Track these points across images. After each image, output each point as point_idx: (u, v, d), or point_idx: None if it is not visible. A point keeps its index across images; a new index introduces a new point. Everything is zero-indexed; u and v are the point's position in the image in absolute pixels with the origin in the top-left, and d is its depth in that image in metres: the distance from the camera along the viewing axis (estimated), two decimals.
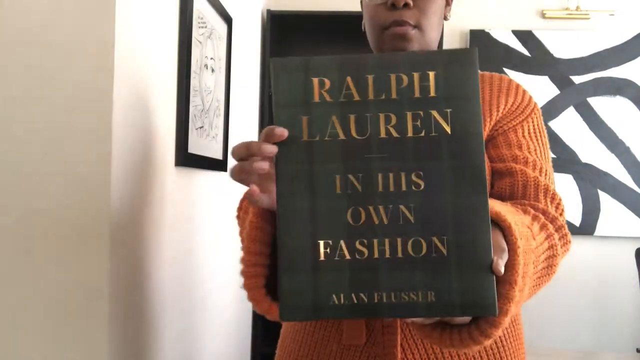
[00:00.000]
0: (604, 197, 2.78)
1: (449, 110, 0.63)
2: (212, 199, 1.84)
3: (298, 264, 0.63)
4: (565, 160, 2.80)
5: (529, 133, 0.95)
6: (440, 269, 0.60)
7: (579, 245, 2.84)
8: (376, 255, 0.62)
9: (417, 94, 0.64)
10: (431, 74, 0.63)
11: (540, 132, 0.97)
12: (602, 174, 2.79)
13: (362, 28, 1.00)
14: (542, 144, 0.96)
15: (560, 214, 0.88)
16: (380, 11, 0.92)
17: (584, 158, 2.79)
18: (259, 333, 2.61)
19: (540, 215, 0.83)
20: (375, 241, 0.62)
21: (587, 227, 2.79)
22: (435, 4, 0.92)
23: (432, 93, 0.63)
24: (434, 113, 0.63)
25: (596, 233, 2.79)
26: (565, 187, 2.80)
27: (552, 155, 2.79)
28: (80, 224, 1.05)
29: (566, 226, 0.87)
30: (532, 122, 0.96)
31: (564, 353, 1.63)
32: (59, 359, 1.05)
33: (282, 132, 0.65)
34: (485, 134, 0.93)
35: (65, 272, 1.05)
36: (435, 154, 0.62)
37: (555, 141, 2.80)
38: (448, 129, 0.62)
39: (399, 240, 0.61)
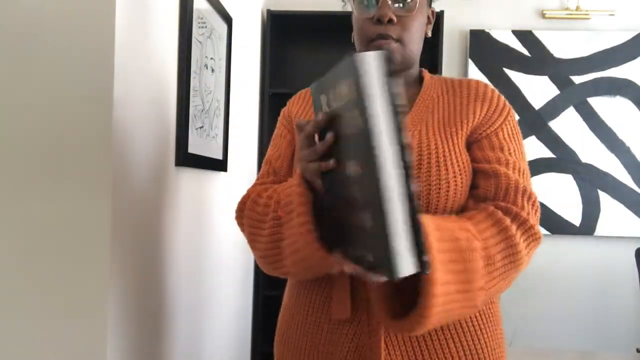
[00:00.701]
0: (604, 197, 2.78)
1: (362, 108, 0.71)
2: (212, 199, 1.84)
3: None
4: (565, 160, 2.80)
5: (507, 135, 1.06)
6: (369, 237, 0.75)
7: (579, 245, 2.84)
8: (348, 222, 0.81)
9: (348, 99, 0.75)
10: (350, 81, 0.73)
11: (516, 133, 1.08)
12: (602, 174, 2.79)
13: (352, 39, 1.10)
14: (518, 144, 1.08)
15: (535, 212, 1.01)
16: (367, 25, 1.03)
17: (584, 158, 2.79)
18: (259, 333, 2.61)
19: (498, 212, 0.96)
20: (346, 211, 0.80)
21: (587, 227, 2.79)
22: (417, 22, 1.04)
23: (354, 95, 0.73)
24: (356, 112, 0.73)
25: (596, 233, 2.79)
26: (565, 187, 2.80)
27: (552, 155, 2.79)
28: (81, 224, 1.05)
29: (534, 222, 0.98)
30: (509, 124, 1.07)
31: (564, 353, 1.63)
32: (60, 357, 1.05)
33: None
34: (463, 136, 1.04)
35: (66, 273, 1.05)
36: (360, 146, 0.73)
37: (555, 141, 2.80)
38: (362, 125, 0.72)
39: (352, 213, 0.78)
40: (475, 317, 1.02)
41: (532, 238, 0.97)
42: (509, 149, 1.04)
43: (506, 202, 0.99)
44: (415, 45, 1.05)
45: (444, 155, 1.00)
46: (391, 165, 0.71)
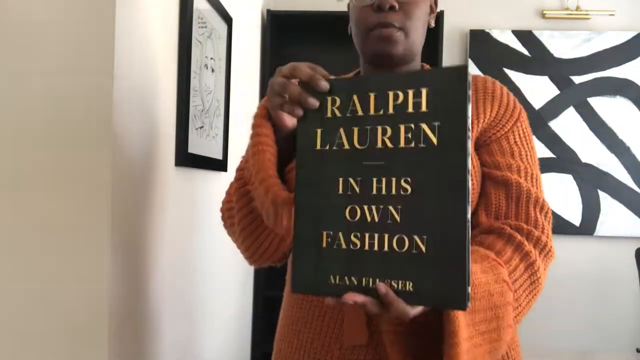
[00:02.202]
0: (604, 197, 2.78)
1: (437, 124, 0.70)
2: (212, 199, 1.84)
3: (306, 249, 0.76)
4: (565, 160, 2.80)
5: (519, 138, 1.00)
6: (419, 263, 0.69)
7: (579, 245, 2.84)
8: (367, 247, 0.73)
9: (410, 109, 0.72)
10: (424, 91, 0.71)
11: (528, 137, 1.02)
12: (602, 174, 2.79)
13: (349, 31, 1.02)
14: (531, 148, 1.01)
15: (549, 223, 0.95)
16: (367, 13, 0.95)
17: (584, 158, 2.79)
18: (258, 333, 2.61)
19: (524, 244, 0.90)
20: (367, 235, 0.73)
21: (587, 227, 2.79)
22: (420, 10, 0.97)
23: (424, 108, 0.71)
24: (424, 126, 0.71)
25: (596, 233, 2.79)
26: (565, 187, 2.80)
27: (552, 155, 2.79)
28: (81, 225, 1.05)
29: (548, 238, 0.93)
30: (521, 126, 1.01)
31: (564, 353, 1.63)
32: (60, 357, 1.05)
33: (314, 102, 0.78)
34: (472, 138, 0.97)
35: (65, 273, 1.05)
36: (422, 163, 0.70)
37: (555, 141, 2.80)
38: (435, 141, 0.70)
39: (385, 236, 0.71)
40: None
41: (548, 256, 0.92)
42: (520, 154, 0.98)
43: (517, 216, 0.93)
44: (418, 36, 0.98)
45: None
46: (458, 187, 0.68)
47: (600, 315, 2.83)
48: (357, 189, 0.74)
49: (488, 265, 0.83)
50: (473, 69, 2.80)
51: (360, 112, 0.75)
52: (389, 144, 0.73)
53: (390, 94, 0.73)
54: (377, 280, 0.71)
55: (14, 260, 1.05)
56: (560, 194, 2.79)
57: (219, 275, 1.97)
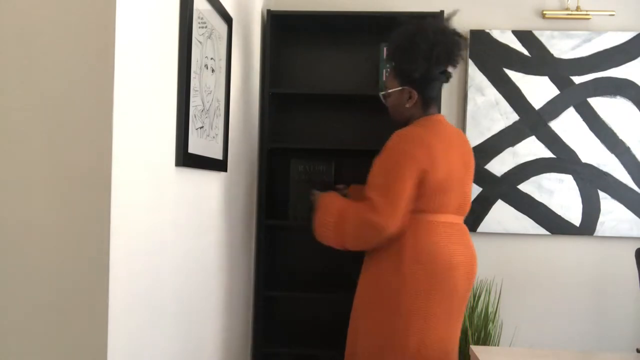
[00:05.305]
0: (604, 197, 2.78)
1: None
2: (212, 199, 1.84)
3: None
4: (565, 160, 2.80)
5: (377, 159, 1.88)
6: None
7: (579, 245, 2.84)
8: None
9: None
10: None
11: (383, 155, 1.85)
12: (602, 174, 2.79)
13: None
14: (380, 164, 1.85)
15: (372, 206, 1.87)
16: None
17: (584, 158, 2.79)
18: (259, 333, 2.61)
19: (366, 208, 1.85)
20: None
21: (587, 227, 2.79)
22: (391, 107, 1.99)
23: None
24: None
25: (596, 233, 2.79)
26: (565, 187, 2.80)
27: (552, 155, 2.80)
28: (80, 225, 1.05)
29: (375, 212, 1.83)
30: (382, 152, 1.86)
31: (564, 353, 1.63)
32: (60, 357, 1.05)
33: None
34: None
35: (65, 273, 1.05)
36: None
37: (555, 141, 2.80)
38: None
39: None
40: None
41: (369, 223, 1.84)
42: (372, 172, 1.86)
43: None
44: (400, 117, 1.98)
45: None
46: None
47: (600, 315, 2.83)
48: None
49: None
50: (473, 69, 2.80)
51: None
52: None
53: None
54: None
55: (14, 260, 1.05)
56: (560, 194, 2.79)
57: (220, 275, 1.97)
